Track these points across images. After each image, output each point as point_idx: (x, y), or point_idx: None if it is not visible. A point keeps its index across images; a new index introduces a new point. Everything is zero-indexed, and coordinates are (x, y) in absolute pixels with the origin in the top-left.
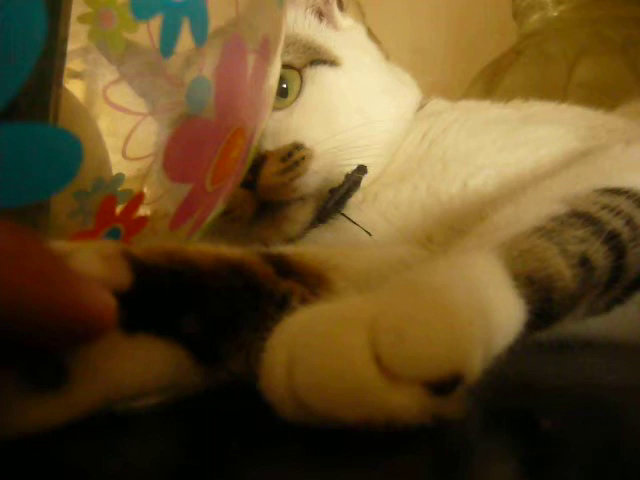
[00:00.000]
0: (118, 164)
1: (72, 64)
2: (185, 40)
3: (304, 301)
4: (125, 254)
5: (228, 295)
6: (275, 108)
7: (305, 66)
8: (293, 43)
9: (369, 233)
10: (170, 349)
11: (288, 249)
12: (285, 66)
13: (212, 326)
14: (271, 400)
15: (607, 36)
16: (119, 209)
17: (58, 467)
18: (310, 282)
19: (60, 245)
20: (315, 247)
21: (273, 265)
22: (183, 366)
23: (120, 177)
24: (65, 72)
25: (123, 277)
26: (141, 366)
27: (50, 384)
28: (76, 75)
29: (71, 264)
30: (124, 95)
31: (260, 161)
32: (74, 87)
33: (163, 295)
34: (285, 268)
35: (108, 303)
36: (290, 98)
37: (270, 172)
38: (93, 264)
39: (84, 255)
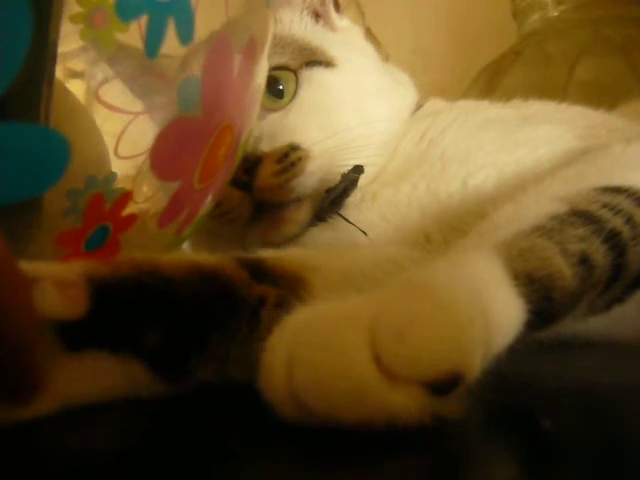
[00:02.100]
0: (110, 163)
1: (72, 63)
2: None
3: (279, 305)
4: (88, 277)
5: (201, 302)
6: (271, 109)
7: (301, 67)
8: (289, 44)
9: (365, 233)
10: (123, 364)
11: (267, 253)
12: (281, 67)
13: (180, 337)
14: (271, 400)
15: (607, 36)
16: (108, 207)
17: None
18: (287, 285)
19: (26, 269)
20: (302, 249)
21: (249, 269)
22: (139, 379)
23: (112, 176)
24: (65, 72)
25: (78, 307)
26: (88, 382)
27: None
28: (76, 75)
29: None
30: (116, 94)
31: (256, 162)
32: (74, 86)
33: (127, 311)
34: (261, 272)
35: None
36: (286, 99)
37: (266, 173)
38: (49, 297)
39: (43, 286)
